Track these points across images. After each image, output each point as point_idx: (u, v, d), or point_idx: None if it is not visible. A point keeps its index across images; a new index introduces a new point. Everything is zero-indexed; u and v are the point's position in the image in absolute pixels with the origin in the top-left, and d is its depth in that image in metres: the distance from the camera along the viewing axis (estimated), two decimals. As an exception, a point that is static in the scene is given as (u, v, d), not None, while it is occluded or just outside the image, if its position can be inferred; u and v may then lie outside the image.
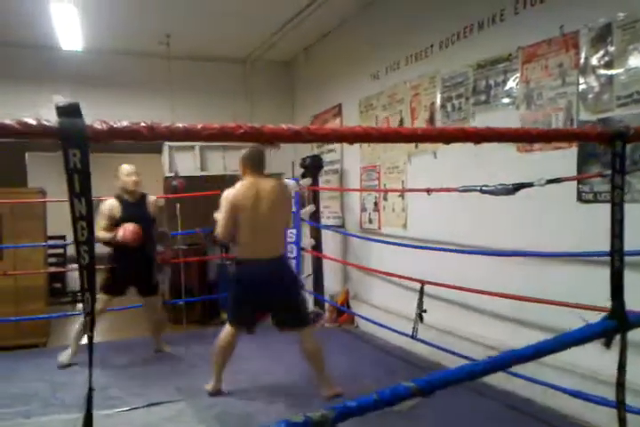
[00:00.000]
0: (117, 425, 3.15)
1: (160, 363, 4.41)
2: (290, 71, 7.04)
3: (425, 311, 3.82)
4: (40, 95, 5.76)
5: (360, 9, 5.22)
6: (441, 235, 4.18)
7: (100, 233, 4.11)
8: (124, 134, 1.03)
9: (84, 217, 0.97)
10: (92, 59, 6.12)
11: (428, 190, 4.03)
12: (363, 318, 5.16)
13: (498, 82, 3.68)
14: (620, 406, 1.56)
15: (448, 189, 3.70)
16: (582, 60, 3.07)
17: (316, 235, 5.84)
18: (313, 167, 5.84)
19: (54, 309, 6.59)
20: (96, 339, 1.02)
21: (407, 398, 1.15)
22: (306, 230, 5.95)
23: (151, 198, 4.49)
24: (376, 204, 5.18)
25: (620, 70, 2.87)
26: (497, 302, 3.52)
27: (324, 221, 6.00)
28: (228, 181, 7.73)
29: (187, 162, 6.51)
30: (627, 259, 1.54)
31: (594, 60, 3.00)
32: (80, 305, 7.52)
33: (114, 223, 4.21)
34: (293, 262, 5.74)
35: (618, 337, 1.54)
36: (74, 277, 8.61)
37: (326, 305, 5.79)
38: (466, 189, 3.47)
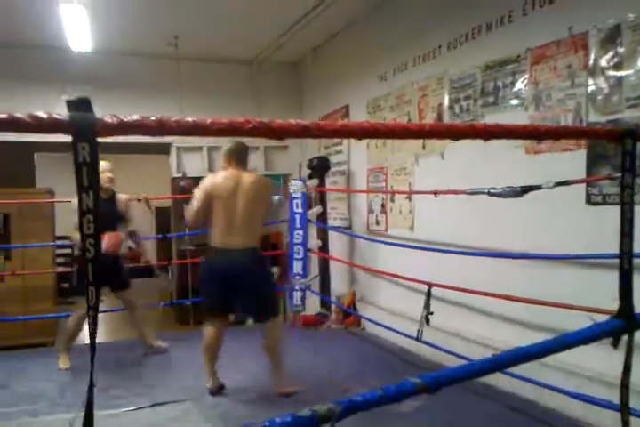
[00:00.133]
0: (123, 425, 3.15)
1: (165, 363, 4.41)
2: (297, 72, 7.05)
3: (432, 314, 3.81)
4: (49, 96, 5.79)
5: (368, 10, 5.22)
6: (448, 237, 4.17)
7: (75, 233, 4.04)
8: (133, 128, 1.04)
9: (90, 211, 0.97)
10: (101, 60, 6.15)
11: (436, 192, 4.03)
12: (369, 320, 5.15)
13: (506, 83, 3.67)
14: (624, 408, 1.55)
15: (455, 192, 3.69)
16: (591, 62, 3.06)
17: (323, 236, 5.84)
18: (320, 168, 5.84)
19: (62, 308, 6.60)
20: (99, 339, 1.02)
21: (413, 395, 1.15)
22: (313, 231, 5.95)
23: (122, 197, 4.49)
24: (383, 205, 5.18)
25: (630, 71, 2.85)
26: (504, 304, 3.50)
27: (330, 222, 5.99)
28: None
29: (194, 163, 6.53)
30: (635, 261, 1.54)
31: (603, 62, 2.99)
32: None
33: None
34: (302, 263, 5.75)
35: (624, 339, 1.54)
36: (81, 276, 8.64)
37: (333, 307, 5.78)
38: (473, 192, 3.46)
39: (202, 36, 5.84)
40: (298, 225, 5.88)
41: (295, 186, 5.97)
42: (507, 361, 1.30)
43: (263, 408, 3.37)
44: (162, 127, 1.05)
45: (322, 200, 5.91)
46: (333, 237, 5.90)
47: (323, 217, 5.88)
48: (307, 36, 5.93)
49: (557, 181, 2.91)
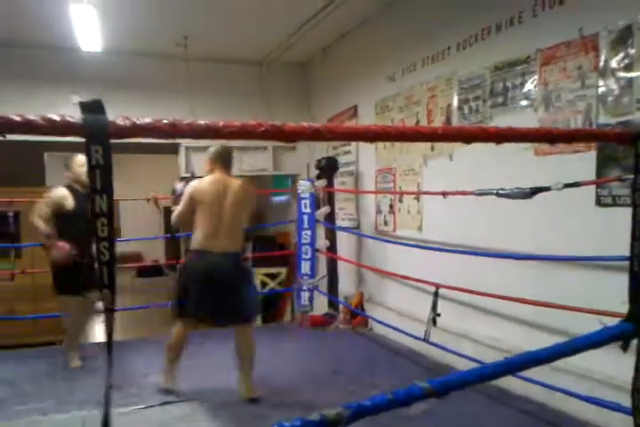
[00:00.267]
0: (133, 423, 3.17)
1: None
2: (306, 73, 7.05)
3: (439, 315, 3.81)
4: (58, 96, 5.83)
5: (377, 10, 5.22)
6: (456, 238, 4.16)
7: (39, 221, 3.96)
8: (146, 131, 1.05)
9: (104, 213, 0.98)
10: (111, 60, 6.18)
11: (444, 193, 4.02)
12: (376, 320, 5.15)
13: (516, 84, 3.66)
14: (636, 412, 1.55)
15: (464, 193, 3.69)
16: (602, 63, 3.04)
17: (331, 236, 5.84)
18: (328, 169, 5.85)
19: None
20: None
21: (421, 399, 1.15)
22: (321, 232, 5.96)
23: None
24: (391, 206, 5.17)
25: (641, 73, 2.84)
26: (512, 305, 3.49)
27: (338, 222, 5.99)
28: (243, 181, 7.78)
29: (203, 162, 6.53)
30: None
31: (613, 63, 2.98)
32: (100, 304, 7.59)
33: (62, 214, 4.05)
34: (310, 263, 5.76)
35: (634, 342, 1.53)
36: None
37: (340, 307, 5.79)
38: (482, 193, 3.45)
39: (211, 36, 5.85)
40: (306, 225, 5.88)
41: (303, 186, 5.98)
42: (517, 365, 1.30)
43: (270, 409, 3.38)
44: (174, 130, 1.05)
45: (330, 200, 5.91)
46: (341, 237, 5.90)
47: (331, 217, 5.88)
48: (316, 37, 5.93)
49: (567, 182, 2.90)
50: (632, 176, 1.43)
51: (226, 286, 3.40)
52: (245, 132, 1.12)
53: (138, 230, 10.46)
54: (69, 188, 4.16)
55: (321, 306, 5.96)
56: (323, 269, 5.99)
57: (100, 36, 5.48)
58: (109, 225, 0.97)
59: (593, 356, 1.34)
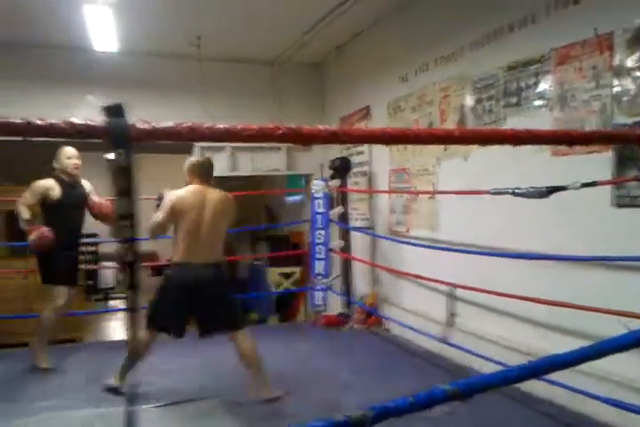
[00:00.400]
0: (155, 420, 3.20)
1: (193, 360, 4.42)
2: (319, 72, 7.06)
3: (456, 315, 3.81)
4: (72, 96, 5.90)
5: (391, 10, 5.21)
6: (471, 238, 4.15)
7: (22, 207, 4.00)
8: (166, 134, 1.06)
9: (128, 216, 1.00)
10: (125, 60, 6.22)
11: (459, 193, 4.02)
12: (391, 320, 5.16)
13: (530, 84, 3.65)
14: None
15: (479, 192, 3.68)
16: (617, 62, 3.02)
17: (345, 236, 5.85)
18: (342, 169, 5.86)
19: (87, 305, 6.74)
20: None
21: (445, 401, 1.16)
22: (334, 232, 5.97)
23: (87, 184, 4.41)
24: (405, 206, 5.17)
25: (657, 72, 2.82)
26: (528, 306, 3.48)
27: (352, 222, 6.00)
28: (257, 181, 7.83)
29: (218, 162, 6.57)
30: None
31: (629, 62, 2.96)
32: (112, 302, 7.69)
33: (49, 204, 4.09)
34: (324, 263, 5.77)
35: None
36: (105, 274, 8.79)
37: (355, 307, 5.79)
38: (497, 192, 3.43)
39: (224, 36, 5.87)
40: (320, 225, 5.90)
41: (317, 186, 6.00)
42: (542, 369, 1.30)
43: (288, 408, 3.39)
44: (194, 133, 1.07)
45: (343, 201, 5.92)
46: (355, 237, 5.91)
47: (344, 217, 5.89)
48: (329, 36, 5.93)
49: (584, 182, 2.88)
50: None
51: (210, 298, 3.41)
52: (263, 135, 1.14)
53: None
54: (57, 178, 4.18)
55: (335, 306, 5.98)
56: (337, 268, 6.01)
57: (115, 36, 5.54)
58: (133, 227, 0.99)
59: (614, 358, 1.33)
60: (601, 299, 2.96)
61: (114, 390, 3.49)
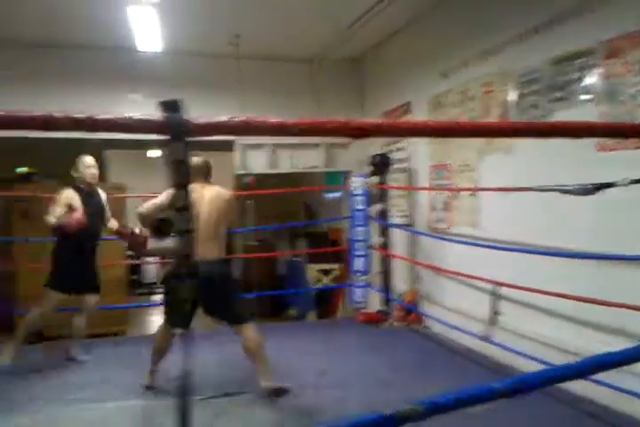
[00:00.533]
0: (196, 412, 3.25)
1: (233, 355, 4.47)
2: (358, 69, 7.04)
3: (499, 314, 3.77)
4: (116, 95, 6.04)
5: (431, 5, 5.17)
6: (514, 235, 4.09)
7: (51, 218, 4.04)
8: (222, 128, 1.09)
9: (185, 207, 1.03)
10: (166, 60, 6.32)
11: (501, 190, 3.96)
12: (431, 318, 5.13)
13: (576, 78, 3.57)
14: None
15: (523, 189, 3.62)
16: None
17: (385, 233, 5.84)
18: (381, 165, 5.85)
19: (131, 299, 6.91)
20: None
21: (494, 399, 1.16)
22: (374, 229, 5.97)
23: (103, 194, 4.50)
24: (446, 203, 5.13)
25: None
26: (573, 305, 3.42)
27: (392, 219, 5.98)
28: (296, 178, 7.88)
29: (258, 160, 6.64)
30: None
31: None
32: (155, 297, 7.84)
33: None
34: (364, 260, 5.78)
35: None
36: (149, 269, 8.97)
37: (394, 304, 5.78)
38: (542, 189, 3.38)
39: (262, 34, 5.90)
40: (359, 222, 5.91)
41: (356, 183, 6.00)
42: (589, 368, 1.28)
43: (328, 405, 3.41)
44: (248, 127, 1.09)
45: (383, 197, 5.91)
46: (395, 234, 5.89)
47: (384, 214, 5.88)
48: (368, 33, 5.91)
49: (633, 178, 2.81)
50: None
51: (210, 293, 3.42)
52: (315, 128, 1.15)
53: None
54: (76, 188, 4.28)
55: (374, 303, 5.98)
56: (376, 265, 6.00)
57: (158, 36, 5.63)
58: (190, 219, 1.01)
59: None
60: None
61: (149, 388, 3.68)
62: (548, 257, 3.62)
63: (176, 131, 1.04)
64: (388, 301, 5.80)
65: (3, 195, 6.05)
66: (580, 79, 3.54)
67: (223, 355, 4.42)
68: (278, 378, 3.61)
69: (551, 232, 3.76)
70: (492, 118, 4.40)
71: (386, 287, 5.83)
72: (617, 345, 1.31)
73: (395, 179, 6.03)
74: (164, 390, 3.60)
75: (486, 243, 4.29)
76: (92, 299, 4.41)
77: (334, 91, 6.85)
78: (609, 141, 3.26)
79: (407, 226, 5.77)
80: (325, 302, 7.08)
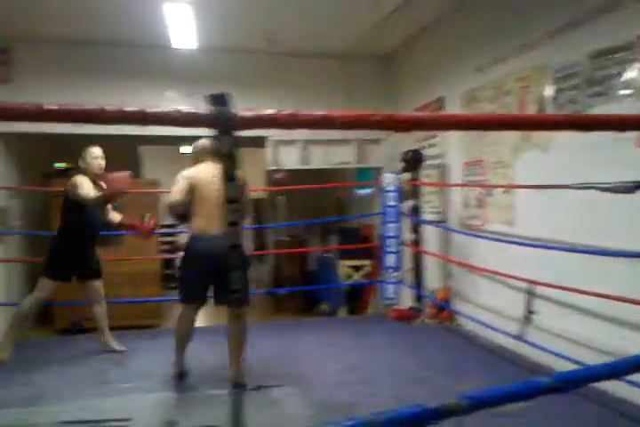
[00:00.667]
0: (225, 405, 3.30)
1: (267, 349, 4.52)
2: (390, 65, 7.01)
3: (534, 313, 3.72)
4: (152, 92, 6.12)
5: (465, 0, 5.12)
6: (550, 233, 4.03)
7: (88, 193, 4.09)
8: (268, 122, 1.11)
9: (235, 199, 1.05)
10: (201, 57, 6.38)
11: (538, 187, 3.91)
12: (464, 315, 5.10)
13: (616, 72, 3.50)
14: None
15: (560, 186, 3.57)
16: None
17: (417, 230, 5.81)
18: (414, 161, 5.81)
19: (166, 293, 7.03)
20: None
21: (541, 394, 1.15)
22: (406, 225, 5.95)
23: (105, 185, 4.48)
24: (480, 200, 5.08)
25: None
26: (610, 304, 3.36)
27: (424, 216, 5.95)
28: (327, 173, 7.89)
29: (290, 156, 6.67)
30: None
31: None
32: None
33: (77, 203, 4.17)
34: (396, 257, 5.77)
35: None
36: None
37: (426, 301, 5.76)
38: (580, 186, 3.33)
39: (295, 30, 5.91)
40: (391, 218, 5.89)
41: (388, 179, 5.99)
42: (624, 369, 1.27)
43: (360, 400, 3.42)
44: (295, 120, 1.11)
45: (415, 194, 5.88)
46: (427, 231, 5.86)
47: (416, 210, 5.85)
48: (400, 28, 5.88)
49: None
50: None
51: (221, 267, 3.42)
52: (359, 122, 1.16)
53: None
54: (86, 177, 4.31)
55: (405, 300, 5.96)
56: (408, 262, 5.98)
57: (194, 33, 5.69)
58: (239, 211, 1.03)
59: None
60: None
61: (179, 375, 3.78)
62: (584, 256, 3.56)
63: (224, 124, 1.06)
64: (419, 298, 5.77)
65: (42, 189, 6.21)
66: (619, 74, 3.47)
67: (254, 349, 4.46)
68: (307, 373, 3.65)
69: (589, 230, 3.69)
70: (529, 113, 4.34)
71: (418, 284, 5.80)
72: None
73: (427, 175, 6.00)
74: (198, 381, 3.66)
75: (521, 240, 4.24)
76: (96, 284, 4.49)
77: (366, 87, 6.84)
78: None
79: (440, 222, 5.74)
80: (357, 298, 7.09)
